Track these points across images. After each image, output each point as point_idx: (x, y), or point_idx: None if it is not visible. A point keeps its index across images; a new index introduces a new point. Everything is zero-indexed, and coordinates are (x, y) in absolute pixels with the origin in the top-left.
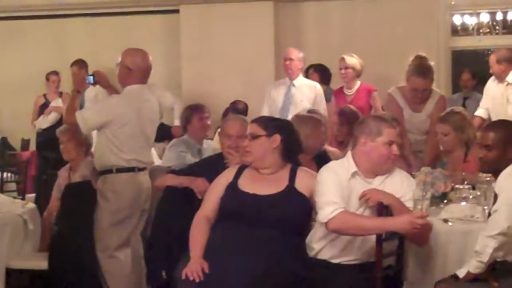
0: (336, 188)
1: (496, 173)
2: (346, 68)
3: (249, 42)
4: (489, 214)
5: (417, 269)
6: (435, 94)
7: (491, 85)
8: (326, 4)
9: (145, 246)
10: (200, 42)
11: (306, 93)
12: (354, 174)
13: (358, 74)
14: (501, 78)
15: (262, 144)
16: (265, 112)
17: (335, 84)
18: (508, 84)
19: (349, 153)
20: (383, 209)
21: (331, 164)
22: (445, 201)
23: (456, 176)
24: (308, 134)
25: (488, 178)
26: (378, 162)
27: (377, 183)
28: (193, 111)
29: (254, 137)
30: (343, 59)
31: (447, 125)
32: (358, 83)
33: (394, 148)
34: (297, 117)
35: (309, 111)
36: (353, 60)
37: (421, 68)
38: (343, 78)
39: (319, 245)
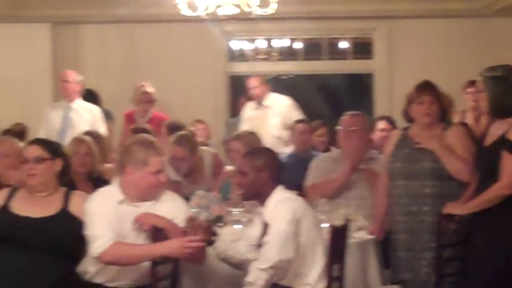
0: (103, 219)
1: (258, 198)
2: (150, 101)
3: (25, 63)
4: (261, 245)
5: None
6: None
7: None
8: (106, 26)
9: None
10: None
11: (85, 116)
12: (121, 202)
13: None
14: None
15: (48, 168)
16: (42, 134)
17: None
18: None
19: (116, 180)
20: (158, 232)
21: (97, 193)
22: (222, 223)
23: (232, 199)
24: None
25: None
26: (146, 191)
27: (147, 207)
28: None
29: (40, 160)
30: (146, 92)
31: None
32: (152, 112)
33: (161, 176)
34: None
35: (88, 132)
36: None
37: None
38: (143, 111)
39: (94, 269)
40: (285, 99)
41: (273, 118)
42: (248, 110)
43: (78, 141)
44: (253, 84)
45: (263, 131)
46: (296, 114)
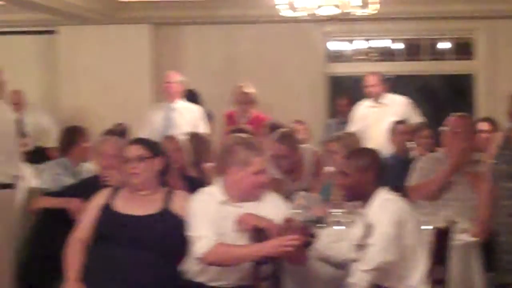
0: (206, 219)
1: (360, 199)
2: (249, 102)
3: (126, 63)
4: (363, 246)
5: None
6: None
7: (362, 106)
8: (206, 27)
9: (20, 270)
10: (78, 63)
11: (186, 116)
12: (223, 202)
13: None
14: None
15: (149, 166)
16: (144, 135)
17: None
18: (382, 104)
19: (219, 180)
20: (259, 233)
21: (200, 192)
22: (323, 224)
23: (333, 200)
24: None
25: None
26: (248, 191)
27: (248, 207)
28: (76, 134)
29: (142, 159)
30: (244, 93)
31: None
32: (252, 112)
33: (263, 176)
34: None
35: (190, 133)
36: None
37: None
38: (242, 111)
39: (196, 268)
40: (402, 98)
41: (390, 117)
42: (362, 108)
43: (168, 138)
44: (371, 81)
45: (378, 129)
46: (414, 114)
